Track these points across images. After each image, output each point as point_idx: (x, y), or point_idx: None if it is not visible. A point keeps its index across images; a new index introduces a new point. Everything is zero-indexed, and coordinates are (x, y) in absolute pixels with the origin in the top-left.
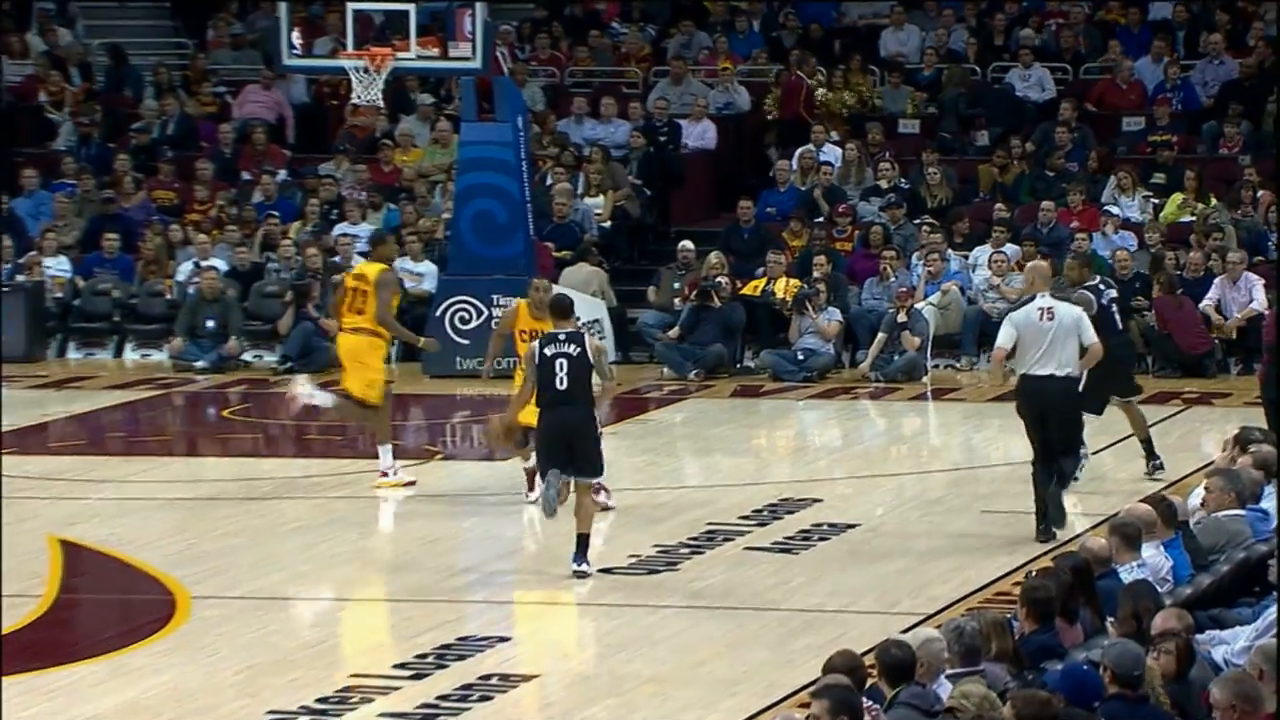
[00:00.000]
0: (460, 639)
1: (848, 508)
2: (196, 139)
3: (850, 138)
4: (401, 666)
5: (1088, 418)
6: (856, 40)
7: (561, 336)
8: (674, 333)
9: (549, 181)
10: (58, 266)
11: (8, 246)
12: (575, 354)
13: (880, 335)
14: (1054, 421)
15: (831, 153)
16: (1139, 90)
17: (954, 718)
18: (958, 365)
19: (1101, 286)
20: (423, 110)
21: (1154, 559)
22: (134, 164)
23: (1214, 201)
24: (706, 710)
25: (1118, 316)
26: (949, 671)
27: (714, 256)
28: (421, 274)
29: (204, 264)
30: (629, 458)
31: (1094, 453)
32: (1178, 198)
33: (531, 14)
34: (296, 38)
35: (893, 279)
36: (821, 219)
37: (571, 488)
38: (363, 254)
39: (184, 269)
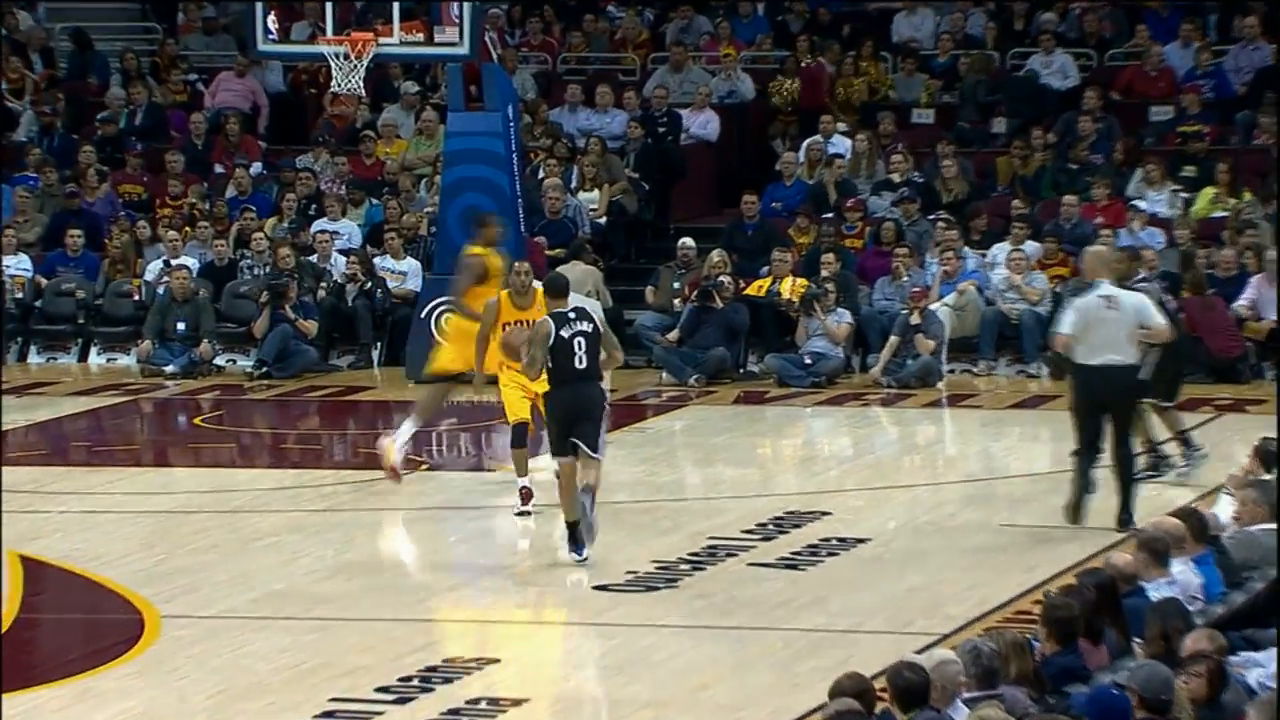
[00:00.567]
0: (446, 660)
1: (858, 521)
2: (166, 130)
3: (861, 128)
4: (384, 690)
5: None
6: (868, 25)
7: (571, 315)
8: (674, 335)
9: (541, 175)
10: (18, 265)
11: None
12: (590, 330)
13: (892, 338)
14: (1113, 411)
15: (841, 144)
16: (1168, 77)
17: None
18: (975, 370)
19: (1155, 280)
20: (407, 99)
21: (1184, 576)
22: (99, 156)
23: (1248, 196)
24: None
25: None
26: (965, 695)
27: (716, 255)
28: (405, 273)
29: (174, 262)
30: (626, 468)
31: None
32: (1209, 192)
33: None
34: (272, 22)
35: (906, 278)
36: (830, 214)
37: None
38: (342, 252)
39: (153, 268)
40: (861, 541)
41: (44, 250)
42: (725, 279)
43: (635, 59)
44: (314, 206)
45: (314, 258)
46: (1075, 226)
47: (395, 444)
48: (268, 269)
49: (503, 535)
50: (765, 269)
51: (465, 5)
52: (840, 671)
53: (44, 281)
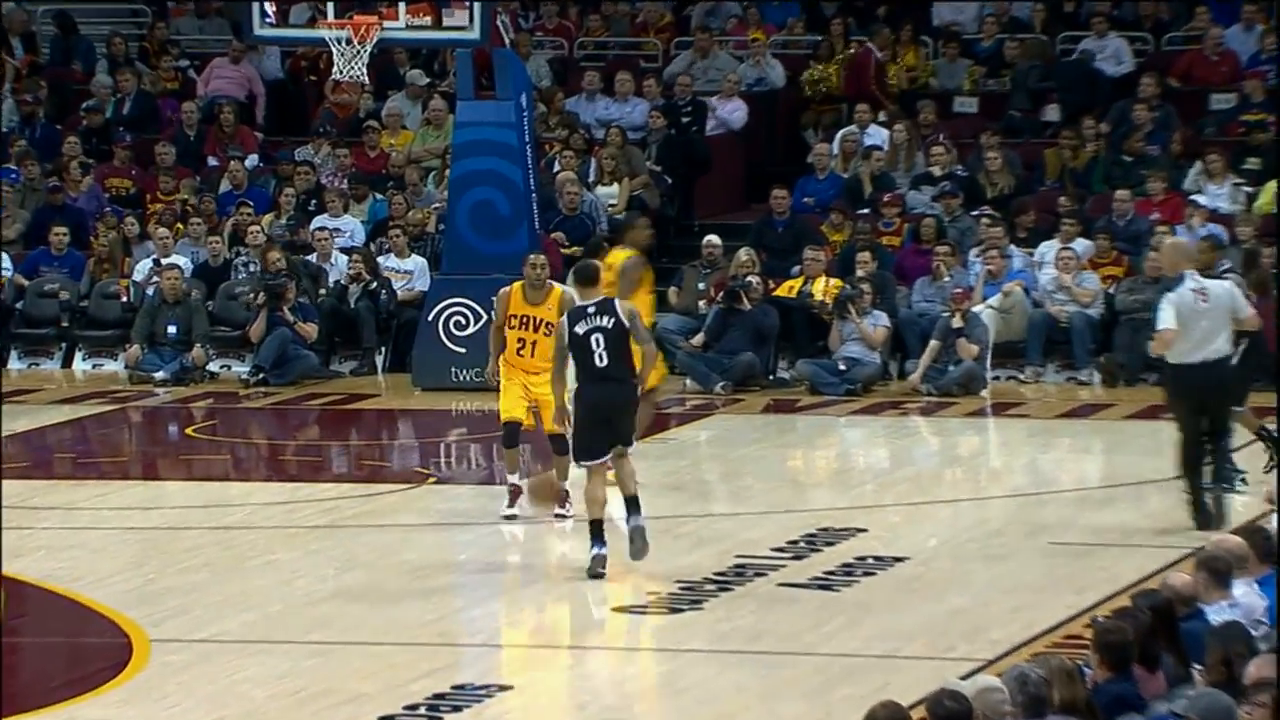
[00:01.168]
0: (455, 687)
1: (896, 539)
2: (156, 119)
3: (900, 118)
4: (388, 719)
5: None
6: (906, 8)
7: (590, 309)
8: (698, 340)
9: (556, 168)
10: None
11: None
12: (609, 325)
13: (933, 343)
14: (1212, 408)
15: (878, 135)
16: (1230, 62)
17: None
18: (1021, 376)
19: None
20: (413, 87)
21: (1247, 598)
22: (85, 148)
23: None
24: None
25: None
26: None
27: (744, 253)
28: (411, 272)
29: (164, 262)
30: (647, 481)
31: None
32: (1273, 186)
33: None
34: (269, 5)
35: (947, 278)
36: (866, 210)
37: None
38: (344, 250)
39: (142, 267)
40: (899, 560)
41: (25, 248)
42: (753, 279)
43: (658, 44)
44: (314, 202)
45: (313, 256)
46: (1129, 223)
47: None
48: (267, 269)
49: (516, 553)
50: (796, 268)
51: None
52: (876, 700)
53: (25, 282)
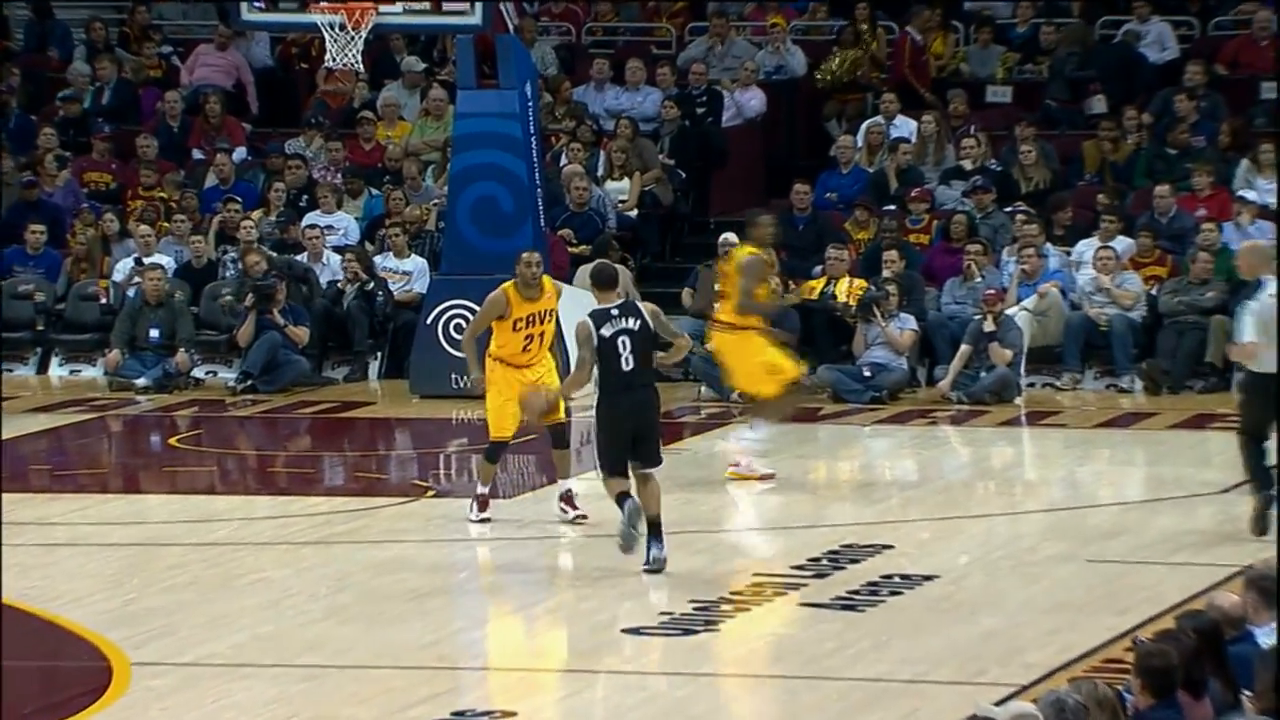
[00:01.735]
0: (455, 714)
1: (924, 556)
2: (137, 110)
3: (928, 108)
4: None
5: None
6: None
7: (614, 311)
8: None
9: (563, 161)
10: None
11: None
12: (636, 328)
13: (964, 347)
14: None
15: (905, 126)
16: None
17: None
18: (1058, 384)
19: None
20: (411, 76)
21: None
22: (61, 140)
23: None
24: None
25: None
26: None
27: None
28: (410, 273)
29: (146, 261)
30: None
31: (1224, 490)
32: None
33: None
34: None
35: (979, 279)
36: (893, 206)
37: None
38: (337, 249)
39: (122, 267)
40: (928, 579)
41: None
42: (773, 280)
43: (671, 29)
44: (305, 198)
45: (303, 256)
46: (1173, 220)
47: (747, 465)
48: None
49: (519, 570)
50: (818, 268)
51: None
52: None
53: None
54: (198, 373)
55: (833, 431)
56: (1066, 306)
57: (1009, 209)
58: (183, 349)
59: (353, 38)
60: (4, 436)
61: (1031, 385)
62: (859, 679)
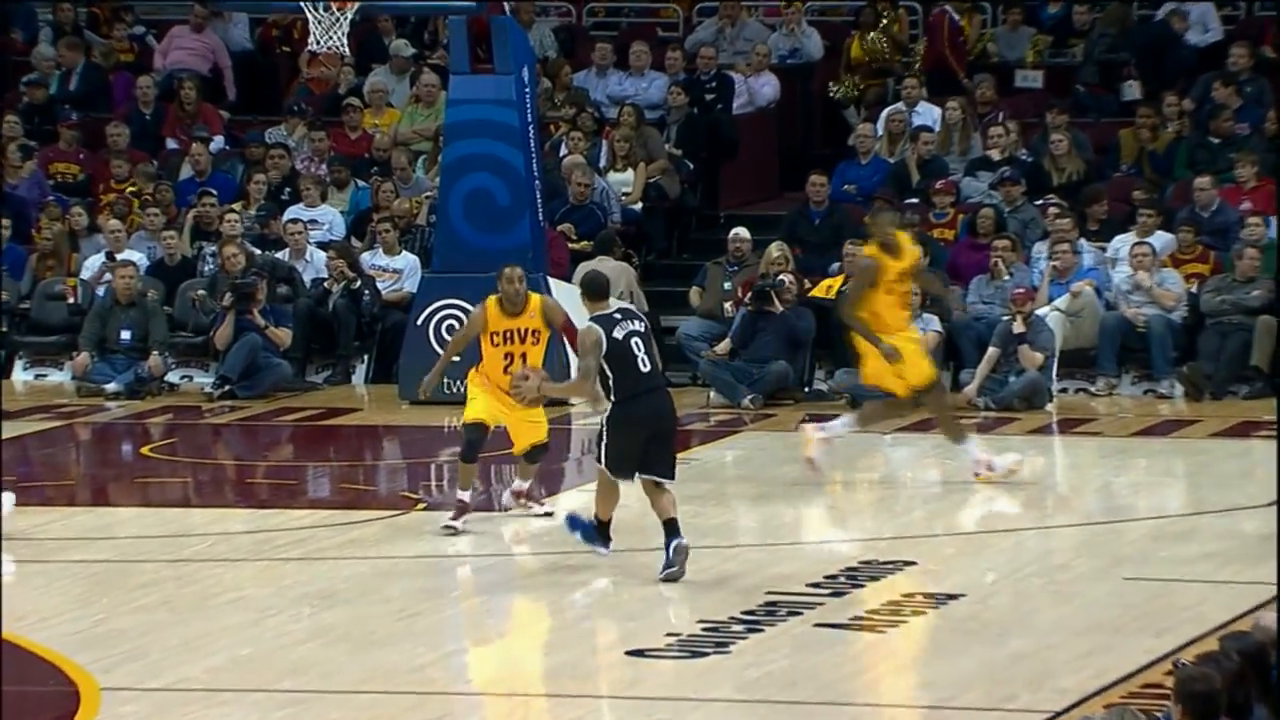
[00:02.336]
0: None
1: (948, 573)
2: (107, 96)
3: (953, 94)
4: None
5: None
6: None
7: (618, 315)
8: (724, 347)
9: (563, 151)
10: None
11: None
12: (642, 329)
13: (991, 350)
14: None
15: (928, 114)
16: None
17: None
18: (1093, 389)
19: None
20: (400, 60)
21: None
22: (26, 128)
23: None
24: None
25: None
26: None
27: (775, 249)
28: (399, 270)
29: (117, 258)
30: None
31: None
32: None
33: None
34: None
35: (1007, 277)
36: (915, 199)
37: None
38: (321, 245)
39: (91, 264)
40: (953, 598)
41: None
42: (787, 278)
43: (678, 10)
44: (287, 190)
45: (284, 253)
46: (1216, 213)
47: (819, 433)
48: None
49: (516, 589)
50: (835, 266)
51: None
52: None
53: None
54: (172, 377)
55: (851, 440)
56: (1101, 306)
57: (1039, 202)
58: (156, 352)
59: (338, 19)
60: None
61: (1064, 391)
62: (879, 705)
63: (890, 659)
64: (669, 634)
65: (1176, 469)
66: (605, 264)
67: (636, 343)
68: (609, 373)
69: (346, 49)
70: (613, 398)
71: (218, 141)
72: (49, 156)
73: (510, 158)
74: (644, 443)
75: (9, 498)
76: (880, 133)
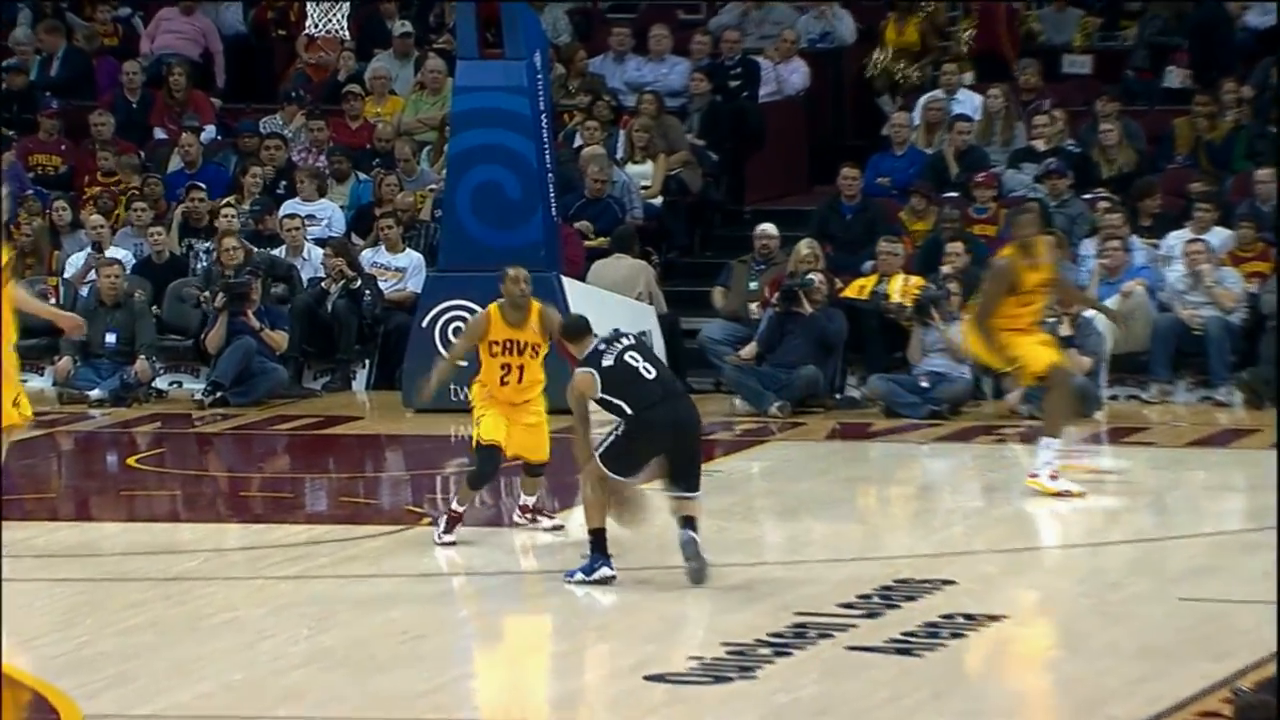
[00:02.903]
0: None
1: (989, 593)
2: (91, 83)
3: (994, 80)
4: None
5: None
6: None
7: (602, 346)
8: (749, 351)
9: (578, 142)
10: None
11: None
12: (634, 340)
13: None
14: None
15: (968, 101)
16: None
17: None
18: (1145, 395)
19: None
20: (403, 44)
21: None
22: (4, 117)
23: None
24: None
25: None
26: None
27: (805, 246)
28: (402, 269)
29: (102, 255)
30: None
31: None
32: None
33: None
34: None
35: None
36: (954, 193)
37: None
38: (319, 242)
39: (74, 262)
40: (994, 619)
41: None
42: (816, 277)
43: None
44: (283, 183)
45: (281, 250)
46: (1277, 208)
47: (1052, 484)
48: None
49: (527, 609)
50: (869, 264)
51: None
52: None
53: None
54: (160, 383)
55: (886, 450)
56: (1154, 307)
57: (1088, 196)
58: (143, 356)
59: (337, 2)
60: None
61: (1114, 398)
62: None
63: (927, 685)
64: (691, 657)
65: (1235, 481)
66: (623, 262)
67: (632, 356)
68: (616, 401)
69: (346, 32)
70: (630, 412)
71: (209, 131)
72: (29, 147)
73: (521, 149)
74: (658, 453)
75: None
76: (917, 122)
